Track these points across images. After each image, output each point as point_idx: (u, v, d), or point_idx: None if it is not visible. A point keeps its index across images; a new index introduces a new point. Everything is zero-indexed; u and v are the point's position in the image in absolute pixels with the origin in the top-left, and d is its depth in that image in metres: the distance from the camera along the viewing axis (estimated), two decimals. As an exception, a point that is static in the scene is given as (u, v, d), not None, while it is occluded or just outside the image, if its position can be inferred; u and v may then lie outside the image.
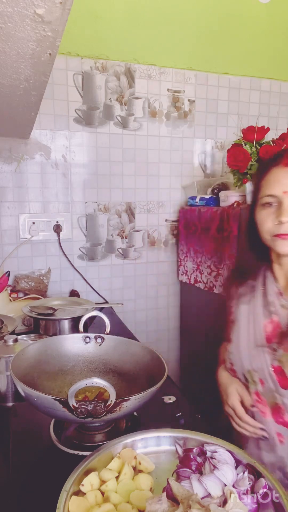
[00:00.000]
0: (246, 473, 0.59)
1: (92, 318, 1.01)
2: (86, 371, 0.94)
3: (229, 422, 0.93)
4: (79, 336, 0.96)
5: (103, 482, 0.60)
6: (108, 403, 0.65)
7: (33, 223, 1.80)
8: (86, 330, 1.03)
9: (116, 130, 1.89)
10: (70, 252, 1.90)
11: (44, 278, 1.84)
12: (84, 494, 0.57)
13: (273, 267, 0.90)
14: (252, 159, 1.50)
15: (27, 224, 1.80)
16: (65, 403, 0.64)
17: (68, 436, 0.77)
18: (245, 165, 1.49)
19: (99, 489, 0.59)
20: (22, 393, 0.72)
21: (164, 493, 0.54)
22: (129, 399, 0.68)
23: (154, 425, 0.72)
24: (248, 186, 1.55)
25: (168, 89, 1.95)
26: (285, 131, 1.56)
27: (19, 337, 1.15)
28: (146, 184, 1.99)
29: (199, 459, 0.62)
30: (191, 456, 0.62)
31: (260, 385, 0.84)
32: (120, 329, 1.62)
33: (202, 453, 0.63)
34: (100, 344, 0.96)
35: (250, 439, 0.89)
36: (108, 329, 0.98)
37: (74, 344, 0.96)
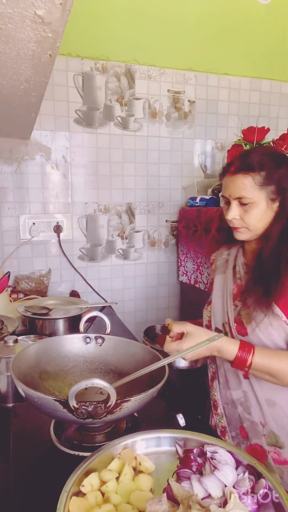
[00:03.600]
0: (246, 473, 0.59)
1: (92, 319, 1.01)
2: (87, 371, 0.94)
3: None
4: (79, 337, 0.96)
5: (103, 482, 0.60)
6: (109, 404, 0.65)
7: (34, 223, 1.80)
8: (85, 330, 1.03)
9: (117, 131, 1.89)
10: (71, 252, 1.90)
11: (45, 278, 1.84)
12: (84, 494, 0.57)
13: (245, 245, 1.13)
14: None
15: (27, 225, 1.80)
16: (65, 404, 0.64)
17: (68, 436, 0.77)
18: (245, 165, 1.49)
19: (99, 490, 0.59)
20: (23, 394, 0.72)
21: (165, 494, 0.54)
22: (129, 400, 0.68)
23: (154, 426, 0.72)
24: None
25: (168, 90, 1.95)
26: (286, 132, 1.56)
27: (19, 337, 1.15)
28: (146, 184, 1.99)
29: (199, 460, 0.62)
30: (192, 456, 0.62)
31: (230, 334, 1.04)
32: (120, 330, 1.62)
33: (203, 453, 0.63)
34: (101, 345, 0.96)
35: (221, 381, 1.07)
36: (108, 330, 0.98)
37: (74, 345, 0.96)
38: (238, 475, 0.59)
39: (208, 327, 1.13)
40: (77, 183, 1.86)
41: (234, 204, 1.00)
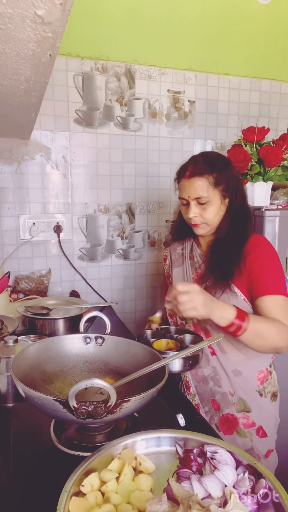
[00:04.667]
0: (246, 473, 0.59)
1: (92, 319, 1.01)
2: (87, 371, 0.94)
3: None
4: (79, 337, 0.96)
5: (103, 482, 0.60)
6: (109, 404, 0.65)
7: (34, 223, 1.80)
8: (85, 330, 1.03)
9: (117, 131, 1.89)
10: (71, 252, 1.90)
11: (45, 278, 1.84)
12: (84, 494, 0.57)
13: (198, 239, 1.29)
14: (253, 160, 1.50)
15: (27, 225, 1.80)
16: (65, 404, 0.64)
17: (68, 436, 0.77)
18: (245, 165, 1.49)
19: (99, 490, 0.59)
20: (23, 394, 0.72)
21: (165, 494, 0.54)
22: (129, 400, 0.68)
23: (154, 426, 0.72)
24: (249, 187, 1.55)
25: (168, 90, 1.95)
26: (286, 132, 1.56)
27: (19, 337, 1.15)
28: (146, 184, 1.99)
29: (199, 460, 0.62)
30: (192, 456, 0.62)
31: (196, 319, 1.17)
32: (120, 330, 1.62)
33: (203, 453, 0.63)
34: (101, 345, 0.96)
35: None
36: (108, 330, 0.98)
37: (74, 345, 0.96)
38: (238, 475, 0.59)
39: (172, 316, 1.29)
40: (77, 183, 1.86)
41: (193, 204, 1.14)
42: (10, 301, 1.68)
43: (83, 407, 0.64)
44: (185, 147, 2.03)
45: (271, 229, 1.50)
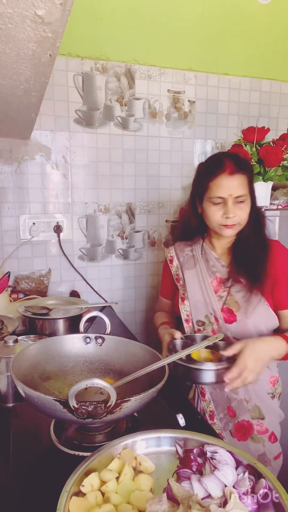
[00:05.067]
0: (246, 473, 0.59)
1: (92, 319, 1.01)
2: (87, 371, 0.94)
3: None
4: (79, 337, 0.96)
5: (103, 482, 0.60)
6: (109, 404, 0.65)
7: (34, 223, 1.80)
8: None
9: (117, 131, 1.89)
10: (71, 252, 1.90)
11: (45, 278, 1.84)
12: (84, 494, 0.57)
13: (211, 240, 1.24)
14: (253, 160, 1.50)
15: (27, 225, 1.80)
16: (65, 404, 0.64)
17: (68, 436, 0.77)
18: (245, 165, 1.49)
19: (99, 490, 0.59)
20: (23, 394, 0.72)
21: (165, 494, 0.54)
22: (129, 400, 0.68)
23: (154, 426, 0.72)
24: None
25: (168, 90, 1.95)
26: (286, 132, 1.56)
27: (19, 337, 1.15)
28: (147, 184, 1.99)
29: (199, 460, 0.62)
30: (192, 456, 0.62)
31: (216, 324, 1.16)
32: (120, 330, 1.62)
33: (203, 453, 0.63)
34: (101, 345, 0.96)
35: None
36: (108, 330, 0.98)
37: (74, 345, 0.96)
38: (238, 475, 0.59)
39: (188, 321, 1.23)
40: (77, 183, 1.86)
41: (232, 203, 1.09)
42: (10, 301, 1.68)
43: (83, 407, 0.64)
44: (185, 147, 2.03)
45: (271, 229, 1.50)
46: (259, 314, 1.11)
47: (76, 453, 0.73)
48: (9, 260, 1.80)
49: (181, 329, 1.22)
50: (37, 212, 1.82)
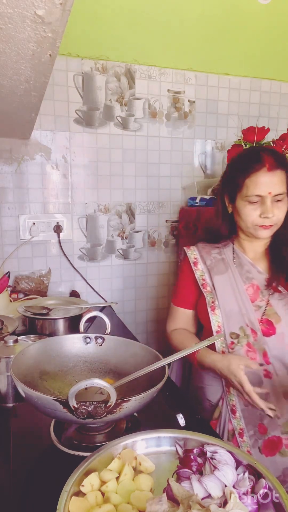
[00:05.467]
0: (246, 473, 0.59)
1: (92, 319, 1.01)
2: (87, 371, 0.94)
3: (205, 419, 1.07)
4: (79, 337, 0.96)
5: (103, 482, 0.60)
6: (109, 404, 0.65)
7: (34, 223, 1.80)
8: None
9: (116, 131, 1.89)
10: (71, 252, 1.90)
11: (45, 278, 1.84)
12: (84, 494, 0.57)
13: (241, 243, 1.14)
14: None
15: (27, 225, 1.80)
16: (65, 404, 0.64)
17: (68, 436, 0.77)
18: (245, 165, 1.49)
19: (99, 490, 0.59)
20: (23, 394, 0.72)
21: (165, 494, 0.54)
22: (129, 400, 0.68)
23: (154, 426, 0.72)
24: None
25: (168, 90, 1.95)
26: (286, 132, 1.56)
27: (19, 337, 1.15)
28: (147, 184, 1.99)
29: (199, 460, 0.62)
30: (192, 456, 0.62)
31: (252, 337, 1.04)
32: (120, 330, 1.62)
33: (203, 453, 0.63)
34: (101, 345, 0.96)
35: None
36: (108, 330, 0.98)
37: (74, 345, 0.96)
38: (238, 475, 0.59)
39: (219, 333, 1.08)
40: (77, 183, 1.86)
41: (270, 202, 1.00)
42: (10, 301, 1.68)
43: (83, 407, 0.64)
44: (185, 147, 2.03)
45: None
46: None
47: (76, 453, 0.73)
48: (9, 260, 1.80)
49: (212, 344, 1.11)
50: (37, 212, 1.82)
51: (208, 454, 0.61)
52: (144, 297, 2.10)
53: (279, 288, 1.05)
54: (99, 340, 0.96)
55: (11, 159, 1.74)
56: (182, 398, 1.06)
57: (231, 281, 1.10)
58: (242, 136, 1.58)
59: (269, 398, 1.03)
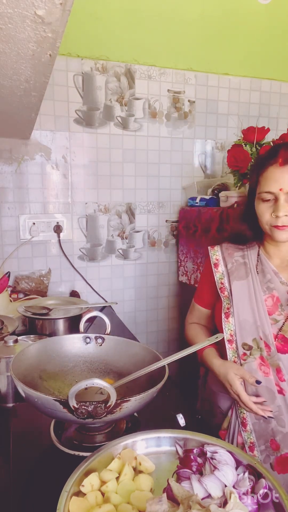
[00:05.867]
0: (246, 473, 0.59)
1: (92, 319, 1.01)
2: (87, 371, 0.94)
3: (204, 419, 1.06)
4: (79, 337, 0.96)
5: (103, 482, 0.60)
6: (109, 404, 0.65)
7: (34, 223, 1.80)
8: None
9: (116, 131, 1.89)
10: (71, 252, 1.90)
11: (45, 278, 1.84)
12: (84, 494, 0.57)
13: (267, 248, 1.05)
14: (253, 160, 1.50)
15: (27, 225, 1.80)
16: (65, 404, 0.64)
17: (68, 436, 0.77)
18: (245, 165, 1.49)
19: (99, 490, 0.59)
20: (23, 394, 0.72)
21: (165, 494, 0.54)
22: (129, 400, 0.68)
23: (154, 426, 0.72)
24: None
25: (168, 90, 1.95)
26: (285, 132, 1.56)
27: (19, 337, 1.16)
28: (147, 184, 1.99)
29: (199, 460, 0.62)
30: (192, 456, 0.62)
31: (266, 351, 0.97)
32: (120, 330, 1.62)
33: (203, 453, 0.63)
34: (101, 345, 0.96)
35: (252, 392, 0.99)
36: (108, 330, 0.98)
37: (74, 345, 0.96)
38: (238, 475, 0.59)
39: (231, 342, 1.02)
40: (77, 183, 1.86)
41: (284, 199, 0.93)
42: (10, 301, 1.68)
43: (83, 407, 0.64)
44: (185, 147, 2.03)
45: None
46: None
47: (76, 453, 0.73)
48: (9, 260, 1.80)
49: (223, 350, 1.05)
50: (37, 212, 1.82)
51: (208, 454, 0.61)
52: (144, 297, 2.10)
53: None
54: (99, 340, 0.96)
55: (11, 159, 1.74)
56: (182, 398, 1.06)
57: (249, 289, 1.02)
58: (242, 136, 1.58)
59: (282, 414, 0.97)
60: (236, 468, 0.60)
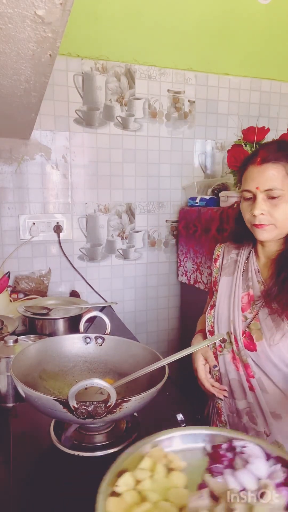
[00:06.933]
0: (279, 465, 0.59)
1: (92, 319, 1.01)
2: (87, 371, 0.94)
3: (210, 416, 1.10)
4: (79, 337, 0.96)
5: (137, 482, 0.60)
6: (109, 404, 0.65)
7: (34, 223, 1.80)
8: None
9: (116, 131, 1.89)
10: (71, 252, 1.90)
11: (45, 278, 1.84)
12: (119, 495, 0.57)
13: (257, 247, 1.05)
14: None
15: (27, 225, 1.80)
16: (65, 404, 0.64)
17: (68, 436, 0.77)
18: (245, 165, 1.49)
19: (134, 489, 0.59)
20: (23, 394, 0.72)
21: (207, 489, 0.54)
22: (129, 399, 0.68)
23: (155, 426, 0.72)
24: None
25: (168, 90, 1.95)
26: (286, 132, 1.56)
27: (20, 337, 1.15)
28: (147, 184, 1.99)
29: (229, 455, 0.62)
30: (221, 452, 0.62)
31: (235, 346, 1.00)
32: (120, 330, 1.62)
33: (232, 448, 0.62)
34: (101, 345, 0.96)
35: (228, 393, 1.04)
36: (108, 330, 0.98)
37: (74, 345, 0.96)
38: (270, 467, 0.59)
39: (211, 333, 1.07)
40: (77, 183, 1.86)
41: (261, 198, 0.92)
42: (10, 301, 1.68)
43: (83, 407, 0.64)
44: (185, 147, 2.03)
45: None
46: (284, 349, 0.92)
47: (76, 453, 0.73)
48: (9, 260, 1.80)
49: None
50: (37, 212, 1.82)
51: (238, 449, 0.61)
52: (144, 297, 2.10)
53: (273, 305, 0.93)
54: (99, 340, 0.96)
55: (11, 159, 1.74)
56: (182, 398, 1.06)
57: (232, 285, 1.05)
58: (242, 136, 1.58)
59: (254, 411, 0.98)
60: (267, 461, 0.60)
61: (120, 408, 0.67)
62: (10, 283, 1.77)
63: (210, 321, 1.08)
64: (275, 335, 0.92)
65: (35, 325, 1.39)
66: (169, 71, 1.93)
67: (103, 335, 0.97)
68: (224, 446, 0.63)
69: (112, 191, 1.93)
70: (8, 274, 1.61)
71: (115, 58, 1.82)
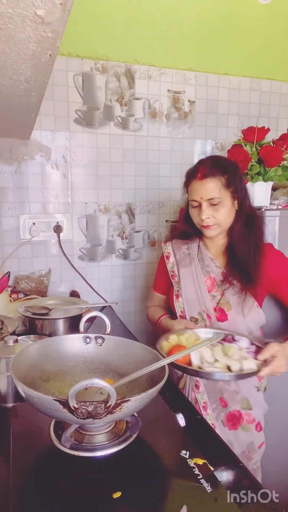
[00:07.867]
0: (254, 346, 1.09)
1: (92, 319, 1.01)
2: (87, 371, 0.94)
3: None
4: (79, 337, 0.96)
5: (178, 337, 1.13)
6: (109, 404, 0.65)
7: (34, 223, 1.80)
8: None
9: (116, 131, 1.89)
10: (70, 252, 1.90)
11: (45, 278, 1.84)
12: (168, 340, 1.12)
13: (205, 241, 1.33)
14: (253, 160, 1.50)
15: (27, 225, 1.80)
16: (65, 404, 0.64)
17: (68, 436, 0.77)
18: (245, 165, 1.49)
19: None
20: (23, 394, 0.72)
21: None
22: (129, 400, 0.68)
23: (155, 426, 0.72)
24: (249, 187, 1.55)
25: (168, 90, 1.95)
26: (286, 132, 1.56)
27: (19, 337, 1.15)
28: (147, 184, 1.99)
29: (230, 338, 1.13)
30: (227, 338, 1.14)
31: (208, 321, 1.25)
32: (120, 330, 1.62)
33: (233, 338, 1.12)
34: (101, 345, 0.96)
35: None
36: (108, 330, 0.98)
37: (74, 345, 0.96)
38: (249, 346, 1.10)
39: (182, 317, 1.30)
40: (77, 183, 1.86)
41: (205, 205, 1.18)
42: (10, 301, 1.68)
43: (83, 407, 0.64)
44: (185, 147, 2.03)
45: (271, 229, 1.50)
46: (250, 315, 1.21)
47: (76, 453, 0.73)
48: (9, 260, 1.80)
49: None
50: (37, 212, 1.82)
51: (236, 338, 1.14)
52: (144, 297, 2.10)
53: (234, 282, 1.22)
54: (99, 340, 0.96)
55: (11, 159, 1.74)
56: (182, 398, 1.06)
57: (193, 274, 1.29)
58: (242, 136, 1.58)
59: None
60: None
61: (120, 408, 0.67)
62: (10, 283, 1.77)
63: (179, 307, 1.31)
64: (244, 308, 1.20)
65: (35, 325, 1.39)
66: (169, 71, 1.93)
67: (103, 335, 0.97)
68: (229, 338, 1.14)
69: (112, 191, 1.93)
70: (8, 274, 1.61)
71: (115, 58, 1.82)
